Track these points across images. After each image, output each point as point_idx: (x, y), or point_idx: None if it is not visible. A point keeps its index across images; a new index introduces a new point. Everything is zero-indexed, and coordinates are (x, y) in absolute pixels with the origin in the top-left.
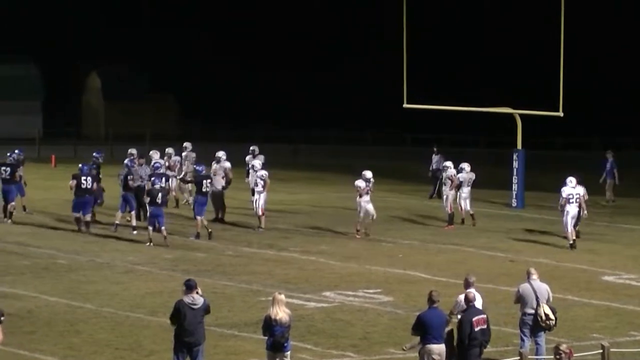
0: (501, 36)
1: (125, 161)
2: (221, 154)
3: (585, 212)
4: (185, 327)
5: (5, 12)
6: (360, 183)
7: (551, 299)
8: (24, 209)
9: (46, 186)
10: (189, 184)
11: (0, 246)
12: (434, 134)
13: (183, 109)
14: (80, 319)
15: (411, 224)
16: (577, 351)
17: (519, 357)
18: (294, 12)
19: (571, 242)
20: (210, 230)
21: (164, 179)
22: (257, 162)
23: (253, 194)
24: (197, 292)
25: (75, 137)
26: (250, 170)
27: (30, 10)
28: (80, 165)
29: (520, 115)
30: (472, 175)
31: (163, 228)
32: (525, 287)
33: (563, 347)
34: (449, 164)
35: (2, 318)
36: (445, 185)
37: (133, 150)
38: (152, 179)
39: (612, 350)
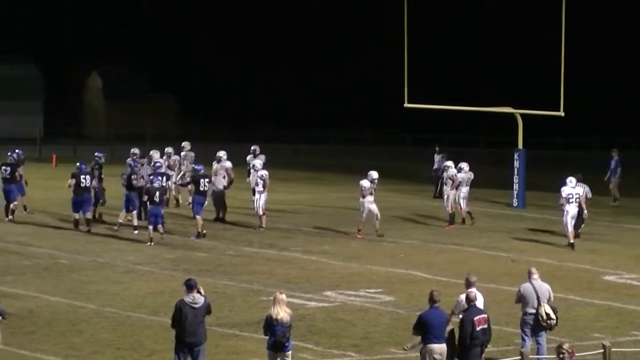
0: (501, 36)
1: (128, 160)
2: (222, 153)
3: (586, 212)
4: (187, 327)
5: (6, 13)
6: (365, 183)
7: (552, 298)
8: (25, 208)
9: (47, 186)
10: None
11: (1, 246)
12: (433, 134)
13: (183, 109)
14: (81, 318)
15: (412, 223)
16: (578, 351)
17: (520, 357)
18: (294, 12)
19: (571, 241)
20: (204, 231)
21: (164, 178)
22: (258, 162)
23: (254, 194)
24: (199, 292)
25: (76, 137)
26: (251, 170)
27: (30, 11)
28: (78, 163)
29: (521, 115)
30: (471, 175)
31: (160, 226)
32: (526, 286)
33: (566, 346)
34: (449, 163)
35: (5, 317)
36: (446, 185)
37: (136, 150)
38: (151, 177)
39: (613, 350)
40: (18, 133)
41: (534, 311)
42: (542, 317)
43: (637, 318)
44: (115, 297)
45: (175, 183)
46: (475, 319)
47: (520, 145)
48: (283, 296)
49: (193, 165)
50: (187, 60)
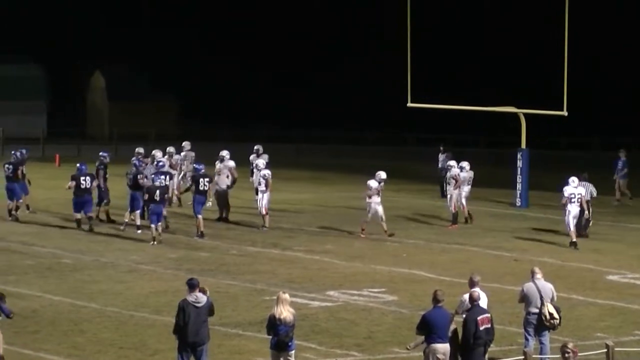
0: (502, 36)
1: (133, 160)
2: (225, 153)
3: (586, 212)
4: (189, 327)
5: (8, 13)
6: (373, 183)
7: (555, 298)
8: (27, 207)
9: (50, 185)
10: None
11: (4, 245)
12: (434, 134)
13: (183, 109)
14: (84, 318)
15: (415, 223)
16: (581, 350)
17: (523, 357)
18: (294, 12)
19: (573, 240)
20: (202, 230)
21: (167, 177)
22: (261, 162)
23: (257, 193)
24: (202, 292)
25: (79, 136)
26: (254, 170)
27: (30, 11)
28: (78, 164)
29: (524, 114)
30: (472, 174)
31: (159, 224)
32: (529, 286)
33: (570, 345)
34: (452, 163)
35: (11, 316)
36: (449, 184)
37: (140, 149)
38: (153, 176)
39: (616, 349)
40: (22, 133)
41: (537, 311)
42: (545, 316)
43: None
44: (118, 296)
45: (176, 192)
46: (478, 318)
47: (523, 145)
48: (286, 296)
49: (194, 165)
50: (187, 60)
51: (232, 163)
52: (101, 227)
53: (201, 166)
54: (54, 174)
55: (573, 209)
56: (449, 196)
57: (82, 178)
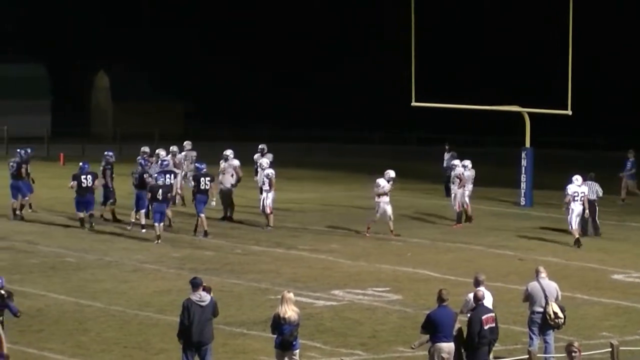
0: (502, 36)
1: (139, 159)
2: (229, 152)
3: (587, 212)
4: (194, 326)
5: (10, 15)
6: (382, 182)
7: (560, 297)
8: (30, 206)
9: (54, 185)
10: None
11: (8, 245)
12: (435, 133)
13: (183, 109)
14: (88, 317)
15: (419, 222)
16: (586, 350)
17: (527, 356)
18: (294, 12)
19: (577, 236)
20: (199, 229)
21: (172, 176)
22: (265, 161)
23: (261, 193)
24: (206, 291)
25: (84, 136)
26: (259, 169)
27: (30, 11)
28: (81, 163)
29: (528, 113)
30: (474, 173)
31: (161, 224)
32: (534, 285)
33: (576, 344)
34: (457, 162)
35: (18, 315)
36: (453, 183)
37: (146, 149)
38: (157, 175)
39: (621, 348)
40: (27, 132)
41: (541, 310)
42: (549, 316)
43: None
44: (122, 295)
45: (179, 195)
46: (483, 317)
47: (527, 144)
48: (291, 295)
49: (195, 164)
50: (187, 60)
51: (236, 162)
52: (105, 226)
53: (203, 165)
54: (58, 173)
55: (576, 208)
56: (453, 195)
57: (83, 177)
